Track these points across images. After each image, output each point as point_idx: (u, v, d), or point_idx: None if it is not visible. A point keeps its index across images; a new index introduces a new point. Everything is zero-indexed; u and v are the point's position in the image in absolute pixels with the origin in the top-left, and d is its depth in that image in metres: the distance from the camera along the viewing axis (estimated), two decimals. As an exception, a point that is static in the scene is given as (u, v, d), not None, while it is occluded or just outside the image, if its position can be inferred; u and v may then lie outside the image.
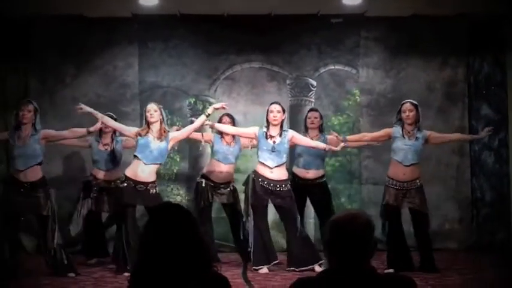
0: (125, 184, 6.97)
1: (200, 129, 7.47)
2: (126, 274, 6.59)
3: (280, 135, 7.22)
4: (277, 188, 7.20)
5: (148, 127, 7.04)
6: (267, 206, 7.31)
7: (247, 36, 9.09)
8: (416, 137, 7.17)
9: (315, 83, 9.19)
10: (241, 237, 7.78)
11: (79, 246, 8.12)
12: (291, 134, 7.30)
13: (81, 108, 7.14)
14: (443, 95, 9.15)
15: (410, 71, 9.21)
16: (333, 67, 9.23)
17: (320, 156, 7.90)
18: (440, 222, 8.84)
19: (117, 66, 9.13)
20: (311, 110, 8.19)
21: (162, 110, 7.14)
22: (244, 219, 7.51)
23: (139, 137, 7.00)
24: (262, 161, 7.22)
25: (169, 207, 2.69)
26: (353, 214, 2.53)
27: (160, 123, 7.06)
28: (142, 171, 6.96)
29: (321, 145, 7.44)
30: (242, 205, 7.63)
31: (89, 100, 8.93)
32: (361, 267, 2.47)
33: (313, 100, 9.15)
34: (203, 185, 7.69)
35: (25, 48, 8.94)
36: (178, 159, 9.05)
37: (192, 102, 9.10)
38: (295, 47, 9.20)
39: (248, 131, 7.44)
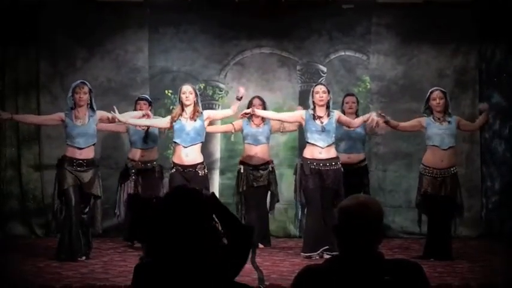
0: (173, 170, 7.07)
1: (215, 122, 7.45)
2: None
3: (328, 115, 7.25)
4: (327, 166, 7.17)
5: (182, 109, 7.08)
6: (318, 190, 7.18)
7: (258, 21, 9.05)
8: (449, 121, 7.16)
9: (325, 69, 9.16)
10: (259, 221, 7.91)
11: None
12: (337, 114, 7.34)
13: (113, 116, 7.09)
14: (454, 82, 9.09)
15: (422, 57, 9.16)
16: (343, 53, 9.19)
17: (361, 139, 7.96)
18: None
19: (128, 50, 9.13)
20: (348, 94, 8.19)
21: (196, 90, 7.20)
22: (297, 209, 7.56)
23: (173, 123, 7.06)
24: (313, 142, 7.21)
25: (180, 193, 2.69)
26: (363, 201, 2.53)
27: (194, 105, 7.10)
28: (186, 155, 7.06)
29: (365, 117, 7.29)
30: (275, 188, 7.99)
31: (100, 84, 8.96)
32: (369, 253, 2.47)
33: (323, 86, 9.11)
34: (242, 170, 7.91)
35: (36, 31, 8.94)
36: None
37: (202, 87, 9.08)
38: (306, 32, 9.16)
39: (295, 114, 7.53)
